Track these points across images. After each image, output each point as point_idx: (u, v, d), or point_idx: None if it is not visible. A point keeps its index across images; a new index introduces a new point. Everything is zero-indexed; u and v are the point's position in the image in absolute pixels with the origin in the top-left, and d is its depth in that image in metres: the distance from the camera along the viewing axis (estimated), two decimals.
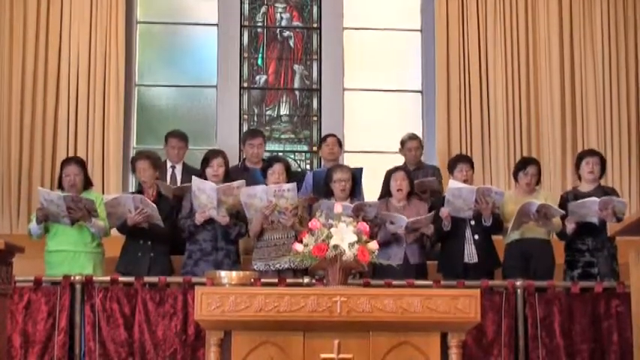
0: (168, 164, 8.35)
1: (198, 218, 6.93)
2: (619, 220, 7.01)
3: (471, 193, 7.04)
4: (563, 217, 7.19)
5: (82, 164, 7.23)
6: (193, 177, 7.05)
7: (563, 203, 7.29)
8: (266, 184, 7.06)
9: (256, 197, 6.89)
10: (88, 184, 7.19)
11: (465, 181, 7.32)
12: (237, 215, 7.03)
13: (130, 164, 7.52)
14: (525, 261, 7.25)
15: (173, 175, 8.26)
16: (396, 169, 7.56)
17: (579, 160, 7.53)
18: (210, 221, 6.96)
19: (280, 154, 9.67)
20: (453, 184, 7.17)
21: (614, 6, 9.99)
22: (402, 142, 8.70)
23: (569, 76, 9.87)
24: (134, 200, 6.89)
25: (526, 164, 7.56)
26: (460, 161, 7.60)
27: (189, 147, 8.63)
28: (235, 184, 6.96)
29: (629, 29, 10.00)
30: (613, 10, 9.98)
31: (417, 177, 8.10)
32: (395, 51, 10.38)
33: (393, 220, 7.05)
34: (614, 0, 10.00)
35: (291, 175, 7.34)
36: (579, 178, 7.56)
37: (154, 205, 6.89)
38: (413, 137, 8.74)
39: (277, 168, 7.16)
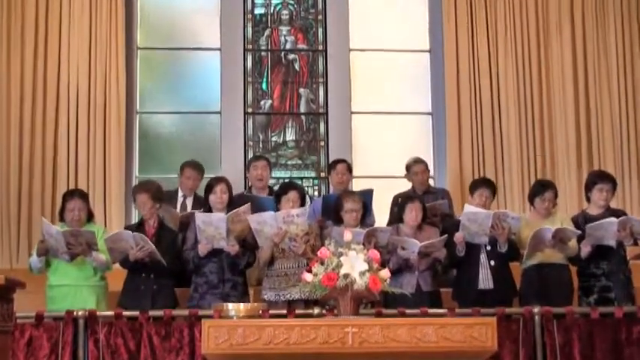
0: (180, 193, 8.28)
1: (202, 250, 6.79)
2: (636, 240, 6.94)
3: (487, 218, 6.91)
4: (579, 238, 7.04)
5: (85, 198, 7.22)
6: (196, 213, 6.94)
7: (574, 226, 7.15)
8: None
9: (266, 224, 6.76)
10: (90, 216, 7.18)
11: (481, 207, 7.18)
12: (244, 243, 6.90)
13: (132, 195, 7.48)
14: (543, 287, 7.08)
15: (184, 205, 8.18)
16: (411, 198, 7.45)
17: (592, 184, 7.35)
18: (216, 252, 6.83)
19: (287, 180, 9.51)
20: (468, 209, 7.06)
21: (629, 27, 9.89)
22: (408, 167, 8.62)
23: (583, 94, 9.77)
24: (134, 238, 6.79)
25: (543, 189, 7.40)
26: (482, 186, 7.45)
27: None
28: (241, 209, 6.87)
29: None
30: (628, 30, 9.88)
31: (428, 201, 8.00)
32: (403, 72, 10.33)
33: (405, 245, 6.93)
34: (629, 23, 9.89)
35: (305, 204, 7.26)
36: (588, 199, 7.43)
37: (153, 246, 6.76)
38: (418, 161, 8.65)
39: (292, 196, 7.08)
